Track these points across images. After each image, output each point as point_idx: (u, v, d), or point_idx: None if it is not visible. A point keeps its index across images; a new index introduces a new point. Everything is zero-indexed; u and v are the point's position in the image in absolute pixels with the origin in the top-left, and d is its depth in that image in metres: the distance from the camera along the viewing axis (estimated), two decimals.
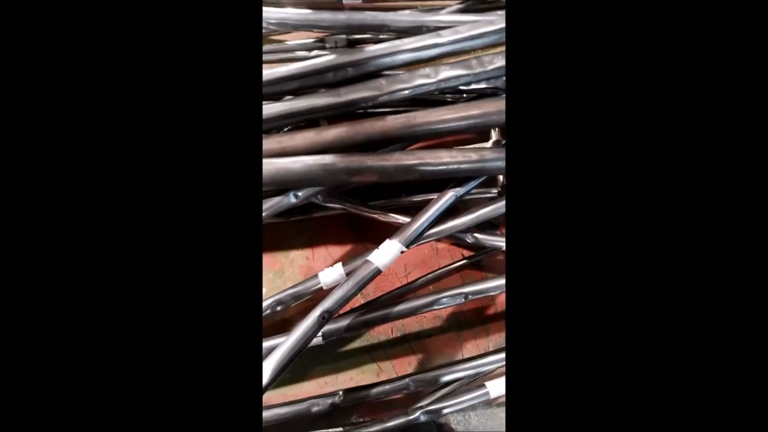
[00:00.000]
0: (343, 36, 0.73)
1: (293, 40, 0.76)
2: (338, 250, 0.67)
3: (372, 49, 0.58)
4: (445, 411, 0.54)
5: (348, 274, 0.57)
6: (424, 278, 0.64)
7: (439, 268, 0.65)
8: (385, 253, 0.51)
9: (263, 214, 0.54)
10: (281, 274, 0.65)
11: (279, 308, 0.57)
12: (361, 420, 0.58)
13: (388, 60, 0.59)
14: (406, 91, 0.57)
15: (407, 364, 0.62)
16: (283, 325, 0.62)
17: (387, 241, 0.52)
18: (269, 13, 0.68)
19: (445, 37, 0.59)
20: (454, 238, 0.64)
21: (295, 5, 0.73)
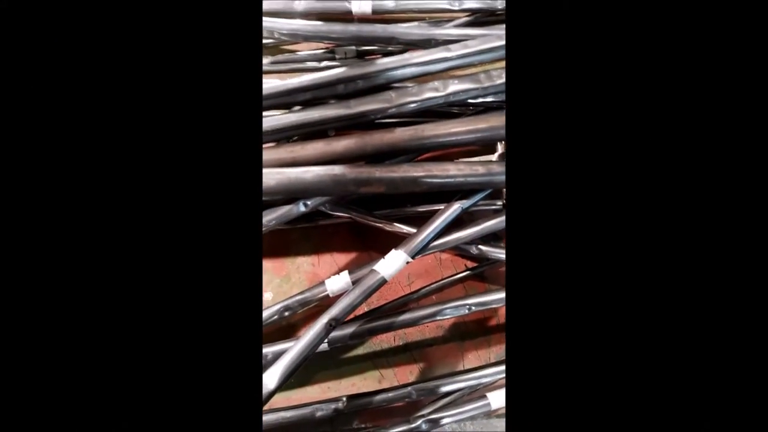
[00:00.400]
0: (353, 47, 0.74)
1: (304, 50, 0.77)
2: (343, 258, 0.68)
3: (382, 62, 0.59)
4: (447, 420, 0.55)
5: (354, 283, 0.58)
6: (427, 288, 0.65)
7: (443, 279, 0.66)
8: (391, 263, 0.52)
9: (273, 222, 0.55)
10: (288, 279, 0.66)
11: (286, 314, 0.58)
12: (363, 426, 0.59)
13: (397, 73, 0.60)
14: (415, 104, 0.58)
15: (409, 373, 0.63)
16: (289, 330, 0.63)
17: (393, 251, 0.53)
18: (281, 24, 0.70)
19: (455, 51, 0.60)
20: (458, 249, 0.65)
21: (304, 17, 0.74)
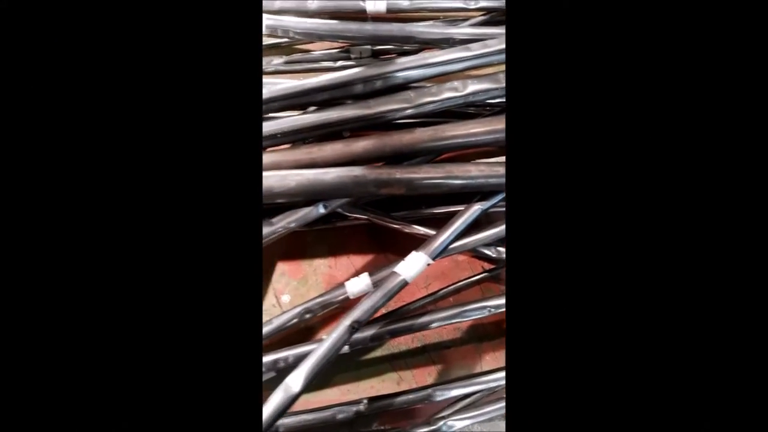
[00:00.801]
0: (368, 46, 0.74)
1: (317, 50, 0.76)
2: (360, 260, 0.67)
3: (401, 61, 0.59)
4: (467, 422, 0.55)
5: (373, 285, 0.57)
6: (445, 290, 0.64)
7: (460, 281, 0.65)
8: (412, 265, 0.52)
9: (293, 225, 0.54)
10: (305, 282, 0.66)
11: (307, 316, 0.58)
12: (383, 428, 0.58)
13: (416, 72, 0.59)
14: (435, 104, 0.58)
15: (427, 374, 0.63)
16: (306, 333, 0.63)
17: (413, 253, 0.53)
18: (295, 22, 0.69)
19: (474, 50, 0.59)
20: (475, 251, 0.64)
21: (317, 15, 0.74)
